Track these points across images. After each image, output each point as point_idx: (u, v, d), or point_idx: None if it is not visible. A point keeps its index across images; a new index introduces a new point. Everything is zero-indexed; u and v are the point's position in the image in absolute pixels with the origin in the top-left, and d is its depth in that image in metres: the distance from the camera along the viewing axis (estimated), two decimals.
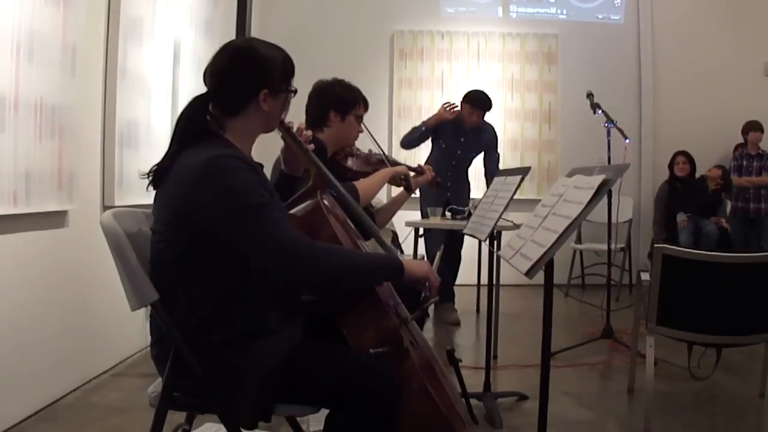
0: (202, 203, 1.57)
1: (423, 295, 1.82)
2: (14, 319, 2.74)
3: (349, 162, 2.88)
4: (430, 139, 5.25)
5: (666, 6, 7.16)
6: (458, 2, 7.20)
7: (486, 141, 5.20)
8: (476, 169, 5.50)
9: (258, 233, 1.56)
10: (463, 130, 5.10)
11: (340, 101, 2.78)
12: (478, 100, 5.05)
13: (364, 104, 2.86)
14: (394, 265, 1.75)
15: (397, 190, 3.02)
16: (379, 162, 2.95)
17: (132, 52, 3.67)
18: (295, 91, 1.82)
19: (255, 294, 1.64)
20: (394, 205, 3.12)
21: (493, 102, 5.13)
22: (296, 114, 1.96)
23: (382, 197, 5.55)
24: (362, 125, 2.88)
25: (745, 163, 6.46)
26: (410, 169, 3.01)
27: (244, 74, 1.73)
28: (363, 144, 2.97)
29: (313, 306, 1.82)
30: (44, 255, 2.99)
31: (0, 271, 2.66)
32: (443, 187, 4.69)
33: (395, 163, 3.00)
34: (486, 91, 5.15)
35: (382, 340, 1.67)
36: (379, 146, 3.05)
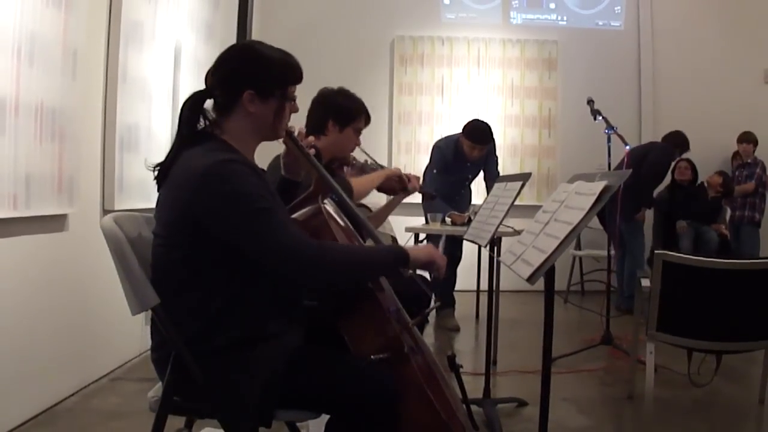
0: (207, 208, 1.57)
1: (432, 276, 1.83)
2: (13, 322, 2.74)
3: (345, 171, 2.88)
4: (430, 157, 5.23)
5: (666, 13, 7.18)
6: (459, 8, 7.21)
7: (487, 152, 5.16)
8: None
9: (265, 237, 1.57)
10: (465, 159, 5.04)
11: (341, 112, 2.74)
12: (479, 136, 4.89)
13: (366, 118, 2.82)
14: (399, 254, 1.75)
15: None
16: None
17: (133, 56, 3.67)
18: (293, 99, 1.78)
19: (256, 299, 1.64)
20: (388, 207, 3.11)
21: (493, 132, 4.97)
22: (302, 120, 1.95)
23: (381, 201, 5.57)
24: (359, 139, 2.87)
25: (736, 172, 6.74)
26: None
27: (232, 70, 1.73)
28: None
29: (314, 312, 1.82)
30: (44, 258, 2.99)
31: (0, 274, 2.66)
32: (449, 200, 4.74)
33: None
34: (485, 120, 5.01)
35: (382, 346, 1.68)
36: (374, 160, 3.05)
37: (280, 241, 1.57)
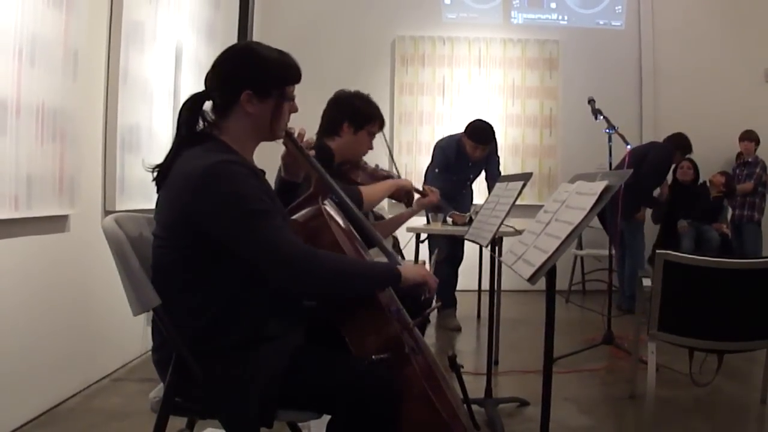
0: (204, 209, 1.57)
1: (423, 297, 1.83)
2: (15, 323, 2.74)
3: (355, 174, 2.88)
4: (432, 156, 5.24)
5: (667, 12, 7.17)
6: (459, 8, 7.21)
7: (488, 152, 5.17)
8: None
9: (259, 241, 1.57)
10: (467, 159, 5.07)
11: (356, 114, 2.76)
12: (481, 136, 4.94)
13: (380, 122, 2.84)
14: (392, 272, 1.77)
15: (399, 206, 3.00)
16: (384, 178, 2.95)
17: (134, 57, 3.67)
18: (291, 99, 1.78)
19: (257, 300, 1.64)
20: (398, 219, 3.10)
21: (495, 132, 5.03)
22: (303, 120, 1.95)
23: (385, 205, 5.57)
24: (385, 142, 2.87)
25: (737, 171, 6.72)
26: (415, 190, 2.99)
27: (229, 71, 1.73)
28: (371, 157, 2.98)
29: (315, 312, 1.82)
30: (45, 259, 2.99)
31: (1, 274, 2.66)
32: (451, 200, 4.74)
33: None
34: (487, 120, 5.06)
35: (383, 347, 1.67)
36: (395, 165, 3.05)
37: (275, 244, 1.57)
